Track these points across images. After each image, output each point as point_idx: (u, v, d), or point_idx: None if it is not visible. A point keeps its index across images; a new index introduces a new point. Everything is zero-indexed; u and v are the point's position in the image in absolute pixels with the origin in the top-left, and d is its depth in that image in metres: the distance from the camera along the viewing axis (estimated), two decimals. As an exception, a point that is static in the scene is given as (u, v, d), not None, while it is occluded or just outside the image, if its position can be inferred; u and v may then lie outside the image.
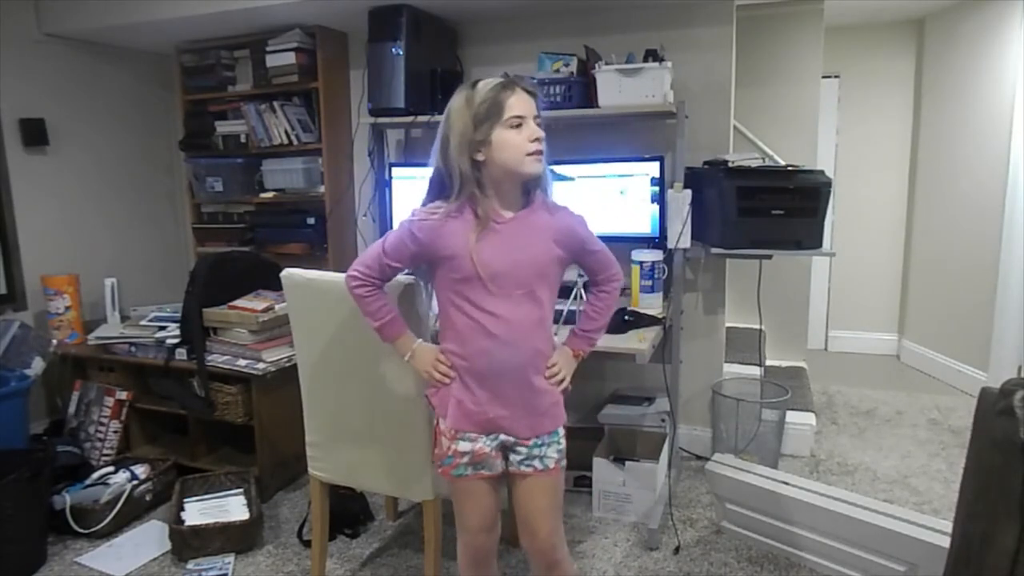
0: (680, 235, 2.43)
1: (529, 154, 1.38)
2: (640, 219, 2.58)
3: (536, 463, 1.50)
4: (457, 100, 1.43)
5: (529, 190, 1.47)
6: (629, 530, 2.38)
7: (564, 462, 1.55)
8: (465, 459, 1.48)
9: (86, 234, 3.29)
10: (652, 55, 2.45)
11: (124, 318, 3.04)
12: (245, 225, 3.33)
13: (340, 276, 1.78)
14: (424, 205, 1.47)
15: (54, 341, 2.92)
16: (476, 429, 1.47)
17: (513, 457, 1.51)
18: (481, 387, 1.46)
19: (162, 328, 2.78)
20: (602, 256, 1.57)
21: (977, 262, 3.63)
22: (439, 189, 1.46)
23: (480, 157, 1.40)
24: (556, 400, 1.52)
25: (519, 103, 1.38)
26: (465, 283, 1.42)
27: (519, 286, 1.43)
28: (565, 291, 1.98)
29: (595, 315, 1.60)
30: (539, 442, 1.50)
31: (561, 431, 1.54)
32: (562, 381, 1.52)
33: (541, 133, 1.40)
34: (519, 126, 1.38)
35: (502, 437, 1.49)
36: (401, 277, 1.67)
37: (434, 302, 1.57)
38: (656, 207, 2.55)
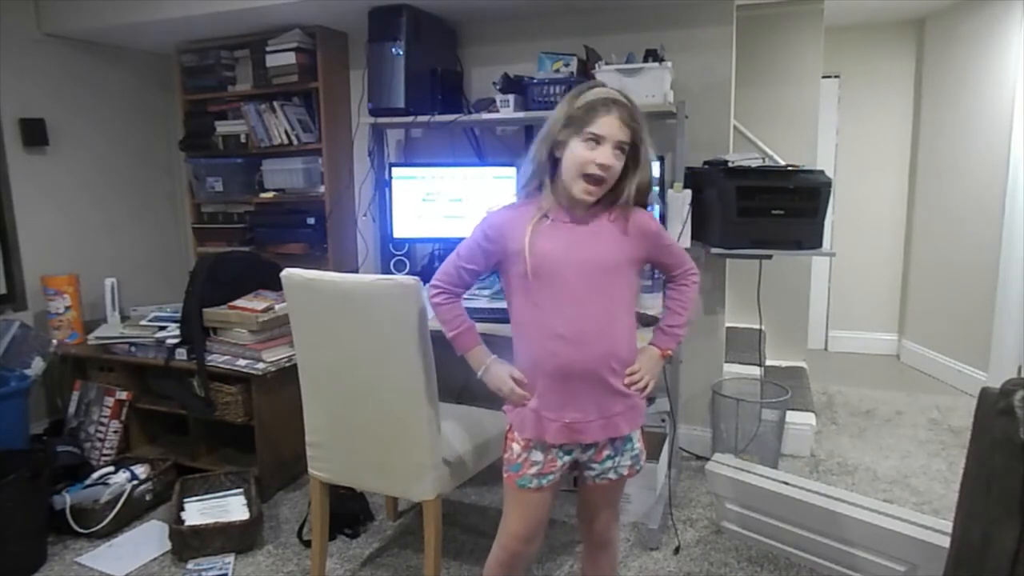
0: (680, 235, 2.43)
1: (586, 174, 1.35)
2: (640, 219, 2.58)
3: (611, 475, 1.50)
4: (570, 92, 1.41)
5: (609, 201, 1.43)
6: (629, 530, 2.38)
7: (639, 465, 1.54)
8: (534, 469, 1.47)
9: (86, 234, 3.29)
10: (652, 55, 2.45)
11: (124, 318, 3.04)
12: (245, 225, 3.33)
13: (340, 276, 1.79)
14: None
15: (54, 341, 2.92)
16: (552, 438, 1.44)
17: (588, 472, 1.51)
18: (553, 390, 1.42)
19: (162, 328, 2.78)
20: (676, 249, 1.55)
21: (977, 262, 3.63)
22: (523, 179, 1.46)
23: (557, 154, 1.39)
24: (633, 404, 1.48)
25: (607, 124, 1.34)
26: (529, 280, 1.40)
27: (589, 284, 1.40)
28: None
29: (680, 310, 1.56)
30: (612, 453, 1.49)
31: (637, 434, 1.52)
32: (645, 387, 1.48)
33: (610, 162, 1.34)
34: (593, 146, 1.34)
35: (576, 453, 1.48)
36: (400, 277, 1.68)
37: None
38: (656, 207, 2.55)
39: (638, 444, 1.53)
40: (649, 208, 1.51)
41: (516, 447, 1.48)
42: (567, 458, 1.48)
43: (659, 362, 1.53)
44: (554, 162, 1.40)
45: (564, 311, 1.39)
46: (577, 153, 1.35)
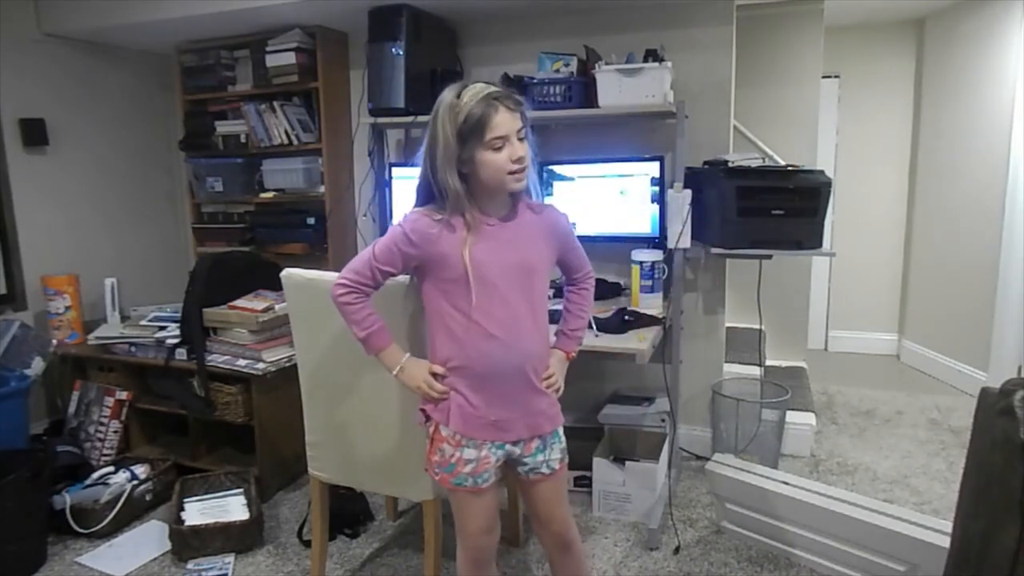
0: (680, 235, 2.43)
1: (511, 173, 1.39)
2: (640, 219, 2.58)
3: (543, 468, 1.53)
4: (443, 106, 1.39)
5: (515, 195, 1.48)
6: (629, 530, 2.38)
7: (567, 458, 1.59)
8: (468, 468, 1.47)
9: (86, 234, 3.29)
10: (652, 55, 2.45)
11: (124, 318, 3.04)
12: (245, 225, 3.33)
13: (340, 276, 1.78)
14: (415, 208, 1.47)
15: (54, 341, 2.92)
16: (480, 435, 1.46)
17: (520, 468, 1.54)
18: (481, 390, 1.45)
19: (162, 328, 2.78)
20: (581, 252, 1.62)
21: (977, 262, 3.63)
22: (427, 196, 1.45)
23: (465, 171, 1.40)
24: (553, 401, 1.55)
25: (502, 123, 1.36)
26: (461, 286, 1.41)
27: (515, 286, 1.44)
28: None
29: (581, 314, 1.65)
30: (541, 446, 1.52)
31: (560, 430, 1.57)
32: (559, 389, 1.56)
33: (522, 152, 1.39)
34: (501, 148, 1.37)
35: (507, 448, 1.49)
36: (399, 277, 1.67)
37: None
38: (656, 207, 2.55)
39: (563, 439, 1.58)
40: (539, 198, 1.53)
41: (447, 447, 1.47)
42: (499, 452, 1.49)
43: (566, 364, 1.60)
44: (463, 178, 1.40)
45: (496, 313, 1.42)
46: (491, 161, 1.37)
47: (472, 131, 1.36)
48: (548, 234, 1.51)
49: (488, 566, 1.60)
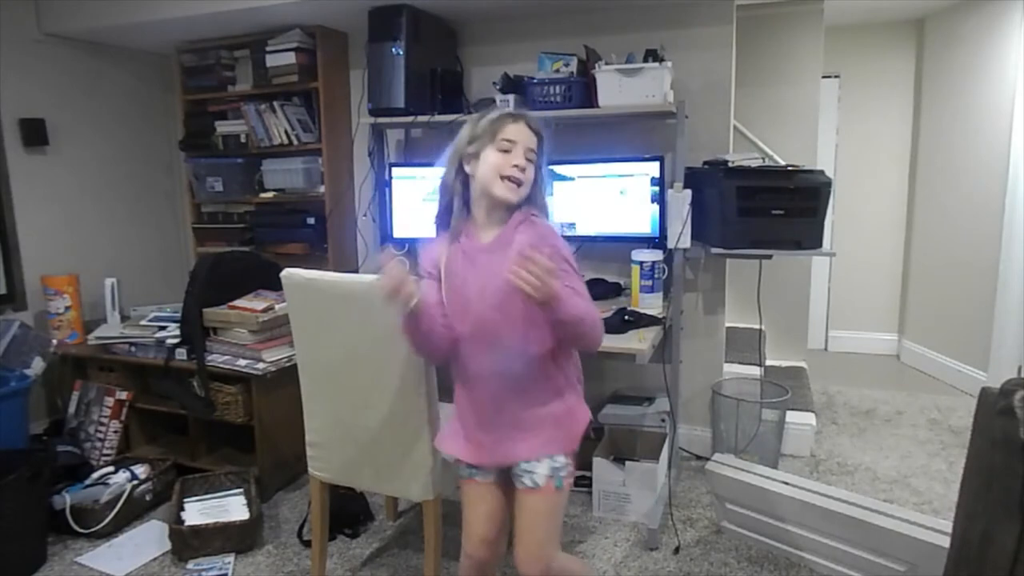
0: (680, 235, 2.43)
1: (504, 176, 1.38)
2: (640, 219, 2.58)
3: (526, 480, 1.46)
4: (469, 120, 1.47)
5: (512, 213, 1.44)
6: (629, 530, 2.38)
7: (561, 483, 1.47)
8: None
9: (86, 234, 3.29)
10: (652, 55, 2.45)
11: (124, 318, 3.04)
12: (245, 225, 3.33)
13: (340, 276, 1.79)
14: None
15: (54, 341, 2.92)
16: (472, 460, 1.51)
17: (512, 473, 1.49)
18: (469, 414, 1.49)
19: (162, 328, 2.78)
20: (572, 277, 1.40)
21: (977, 262, 3.63)
22: (443, 219, 1.49)
23: (467, 168, 1.42)
24: (545, 423, 1.46)
25: (516, 131, 1.40)
26: (448, 307, 1.43)
27: (495, 310, 1.39)
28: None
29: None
30: (539, 458, 1.46)
31: (560, 457, 1.47)
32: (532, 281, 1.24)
33: (523, 164, 1.39)
34: (508, 151, 1.39)
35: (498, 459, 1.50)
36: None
37: None
38: (656, 207, 2.55)
39: (563, 461, 1.48)
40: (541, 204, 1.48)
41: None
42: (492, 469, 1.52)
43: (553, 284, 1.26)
44: (464, 183, 1.44)
45: (476, 337, 1.42)
46: (492, 159, 1.39)
47: (485, 131, 1.41)
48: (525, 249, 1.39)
49: None
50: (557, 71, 2.63)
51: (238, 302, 2.64)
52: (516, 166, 1.38)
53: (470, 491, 1.54)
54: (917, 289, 4.22)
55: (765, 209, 2.32)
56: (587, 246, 2.67)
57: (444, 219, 1.49)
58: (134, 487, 2.48)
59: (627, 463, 2.44)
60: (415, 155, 3.11)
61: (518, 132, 1.40)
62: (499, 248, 1.41)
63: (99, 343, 2.84)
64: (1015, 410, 1.05)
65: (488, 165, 1.40)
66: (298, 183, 3.14)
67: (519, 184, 1.40)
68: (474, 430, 1.50)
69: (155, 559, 2.25)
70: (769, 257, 2.52)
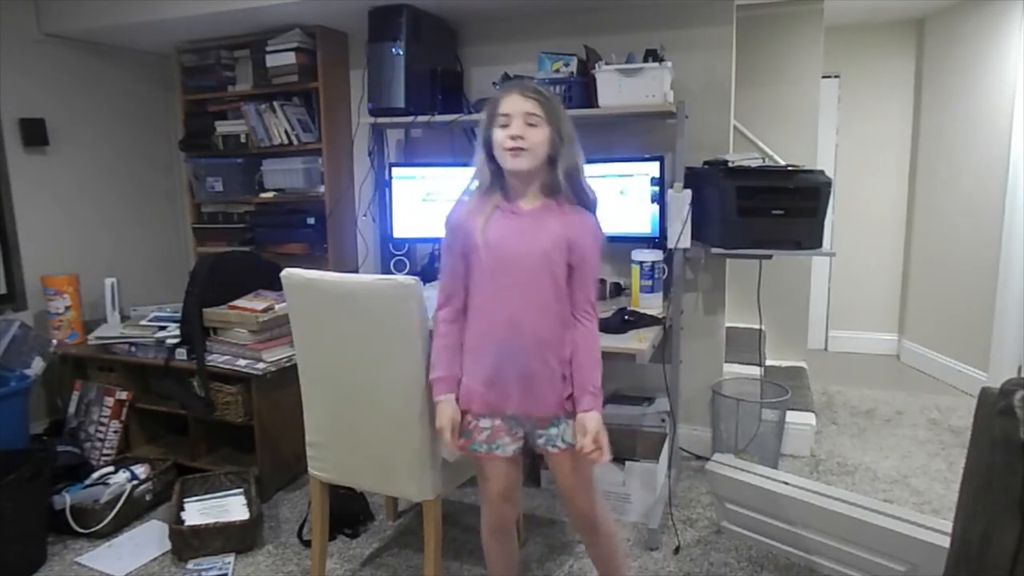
0: (680, 235, 2.43)
1: (507, 149, 1.46)
2: (640, 219, 2.58)
3: (558, 442, 1.58)
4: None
5: (553, 190, 1.53)
6: (629, 530, 2.38)
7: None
8: (483, 435, 1.58)
9: (86, 234, 3.29)
10: (652, 55, 2.45)
11: (124, 318, 3.04)
12: (245, 225, 3.33)
13: (340, 276, 1.79)
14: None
15: (54, 341, 2.92)
16: (485, 410, 1.57)
17: (539, 441, 1.60)
18: (485, 369, 1.54)
19: (162, 328, 2.78)
20: (588, 281, 1.56)
21: (977, 262, 3.63)
22: (473, 184, 1.58)
23: (495, 153, 1.51)
24: (558, 392, 1.55)
25: (508, 103, 1.47)
26: (478, 267, 1.52)
27: (524, 273, 1.50)
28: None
29: (589, 364, 1.54)
30: (556, 421, 1.57)
31: (570, 419, 1.57)
32: (601, 449, 1.50)
33: (520, 132, 1.45)
34: (506, 125, 1.46)
35: (516, 419, 1.57)
36: (400, 277, 1.68)
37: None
38: (656, 207, 2.55)
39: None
40: (592, 205, 1.58)
41: (468, 417, 1.59)
42: (511, 423, 1.58)
43: (588, 421, 1.51)
44: (498, 169, 1.52)
45: (504, 296, 1.50)
46: (497, 137, 1.48)
47: (491, 114, 1.50)
48: (567, 234, 1.51)
49: (507, 535, 1.72)
50: (557, 71, 2.63)
51: (238, 302, 2.64)
52: (511, 136, 1.45)
53: (489, 468, 1.62)
54: (917, 289, 4.22)
55: (765, 209, 2.32)
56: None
57: (484, 198, 1.56)
58: (134, 487, 2.48)
59: (627, 463, 2.44)
60: (415, 155, 3.12)
61: (510, 104, 1.46)
62: (543, 217, 1.52)
63: (99, 343, 2.84)
64: (1015, 410, 1.05)
65: (496, 145, 1.48)
66: (298, 183, 3.14)
67: (520, 152, 1.46)
68: (493, 382, 1.54)
69: (155, 559, 2.25)
70: (769, 257, 2.52)
